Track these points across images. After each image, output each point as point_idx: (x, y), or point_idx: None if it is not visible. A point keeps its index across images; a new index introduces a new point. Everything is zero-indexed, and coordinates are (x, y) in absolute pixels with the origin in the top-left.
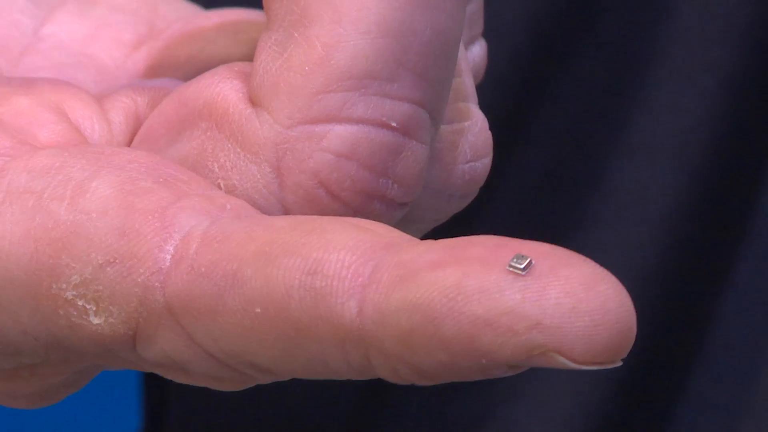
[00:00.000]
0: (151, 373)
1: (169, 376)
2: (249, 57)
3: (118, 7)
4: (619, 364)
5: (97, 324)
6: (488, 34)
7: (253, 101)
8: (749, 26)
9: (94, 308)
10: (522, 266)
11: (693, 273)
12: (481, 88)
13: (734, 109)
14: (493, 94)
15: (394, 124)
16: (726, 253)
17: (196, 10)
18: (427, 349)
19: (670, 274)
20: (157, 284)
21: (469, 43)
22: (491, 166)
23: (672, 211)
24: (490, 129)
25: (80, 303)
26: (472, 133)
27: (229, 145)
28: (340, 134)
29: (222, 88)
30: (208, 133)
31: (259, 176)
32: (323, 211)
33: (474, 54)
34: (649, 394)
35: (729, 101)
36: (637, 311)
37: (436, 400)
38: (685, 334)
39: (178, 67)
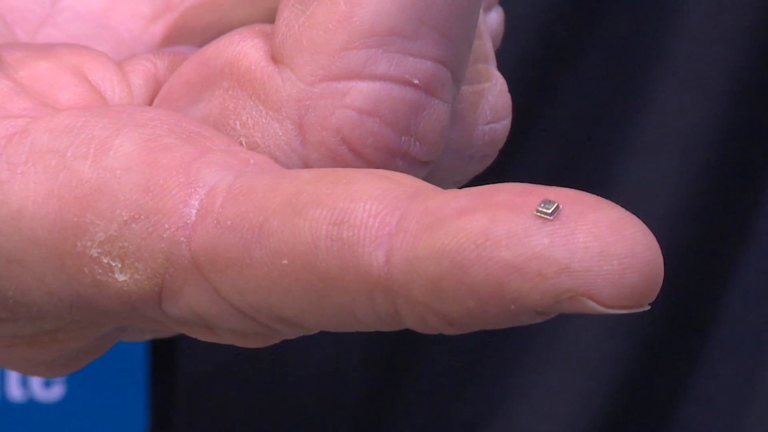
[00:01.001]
0: (157, 374)
1: (194, 334)
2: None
3: None
4: (647, 308)
5: (122, 281)
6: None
7: (275, 59)
8: (755, 25)
9: (119, 265)
10: (549, 211)
11: (697, 272)
12: None
13: (740, 108)
14: None
15: (416, 82)
16: (730, 253)
17: None
18: (456, 296)
19: (674, 273)
20: (182, 239)
21: (487, 9)
22: (498, 164)
23: (677, 211)
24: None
25: (105, 260)
26: (492, 95)
27: (251, 103)
28: (362, 91)
29: (243, 46)
30: (230, 92)
31: (281, 133)
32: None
33: (491, 20)
34: (652, 395)
35: (735, 101)
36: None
37: (441, 400)
38: (687, 333)
39: (196, 36)
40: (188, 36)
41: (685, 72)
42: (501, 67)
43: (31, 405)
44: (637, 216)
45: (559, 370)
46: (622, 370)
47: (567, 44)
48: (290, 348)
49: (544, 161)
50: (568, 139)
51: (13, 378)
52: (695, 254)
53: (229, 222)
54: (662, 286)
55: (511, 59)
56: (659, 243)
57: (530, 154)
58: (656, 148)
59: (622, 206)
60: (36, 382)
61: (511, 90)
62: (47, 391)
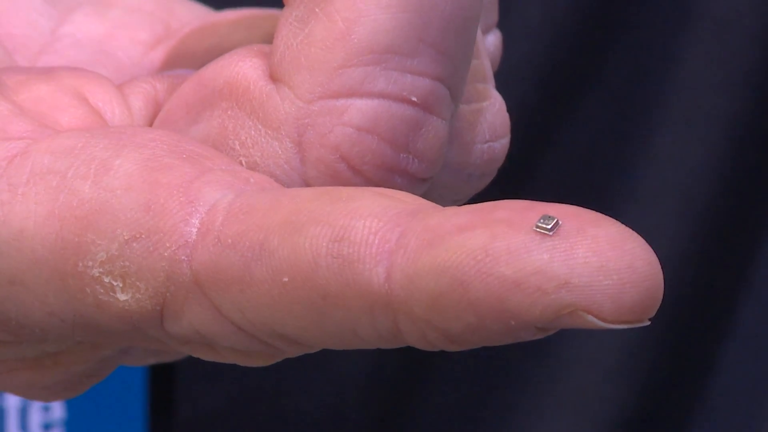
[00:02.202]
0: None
1: (196, 354)
2: None
3: (134, 9)
4: (647, 323)
5: (124, 300)
6: (496, 79)
7: (274, 77)
8: (753, 75)
9: (120, 285)
10: (549, 227)
11: (696, 318)
12: None
13: (737, 156)
14: None
15: (414, 99)
16: (729, 299)
17: (211, 12)
18: (456, 313)
19: (673, 318)
20: (183, 258)
21: (485, 31)
22: None
23: (676, 256)
24: (499, 174)
25: (107, 280)
26: (491, 113)
27: (250, 123)
28: (361, 108)
29: (242, 66)
30: (229, 112)
31: (280, 152)
32: (344, 186)
33: (489, 42)
34: None
35: (732, 148)
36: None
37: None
38: (685, 379)
39: (196, 60)
40: (188, 61)
41: (684, 120)
42: None
43: None
44: None
45: (559, 413)
46: (621, 415)
47: (566, 92)
48: (289, 391)
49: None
50: (568, 185)
51: (12, 420)
52: (694, 299)
53: (229, 240)
54: (661, 331)
55: (510, 106)
56: None
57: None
58: (655, 195)
59: None
60: (35, 425)
61: (510, 138)
62: None
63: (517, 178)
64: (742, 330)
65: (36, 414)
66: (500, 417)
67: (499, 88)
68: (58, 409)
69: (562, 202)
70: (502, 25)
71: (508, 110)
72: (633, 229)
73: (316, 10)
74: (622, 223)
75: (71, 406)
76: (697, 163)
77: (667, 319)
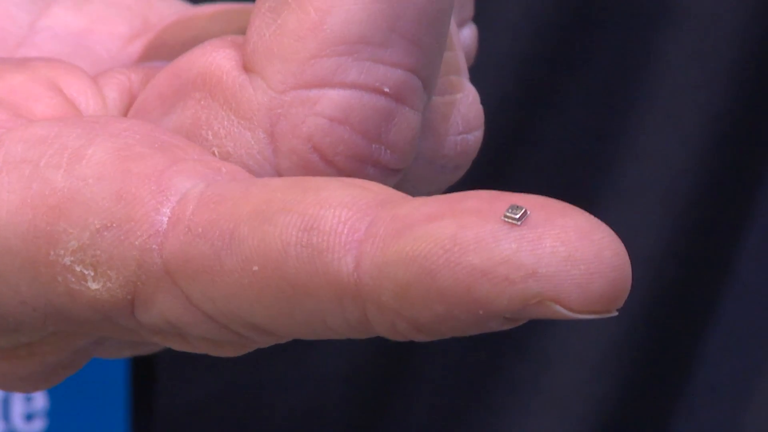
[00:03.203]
0: (138, 373)
1: (167, 344)
2: None
3: (112, 2)
4: (615, 314)
5: (95, 289)
6: (474, 77)
7: (247, 68)
8: (732, 70)
9: (92, 273)
10: (517, 216)
11: (679, 314)
12: None
13: (720, 152)
14: None
15: (386, 90)
16: (710, 296)
17: (189, 6)
18: (425, 302)
19: (655, 315)
20: (154, 247)
21: (460, 25)
22: None
23: (658, 252)
24: (477, 169)
25: (78, 269)
26: (464, 105)
27: (223, 113)
28: (333, 99)
29: (215, 56)
30: (202, 102)
31: (253, 142)
32: (316, 176)
33: (464, 36)
34: None
35: (715, 144)
36: (622, 352)
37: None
38: (670, 375)
39: (173, 54)
40: (165, 54)
41: (665, 116)
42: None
43: None
44: None
45: (544, 412)
46: (606, 413)
47: (547, 88)
48: (270, 386)
49: None
50: (549, 181)
51: None
52: (676, 296)
53: (200, 229)
54: (644, 327)
55: (491, 101)
56: (641, 284)
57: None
58: (637, 191)
59: None
60: (17, 415)
61: (491, 132)
62: (28, 424)
63: (497, 174)
64: (724, 326)
65: (18, 404)
66: (484, 415)
67: (479, 82)
68: (40, 399)
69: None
70: (482, 19)
71: (488, 105)
72: (614, 226)
73: (289, 0)
74: (604, 219)
75: (53, 396)
76: (678, 160)
77: (650, 316)
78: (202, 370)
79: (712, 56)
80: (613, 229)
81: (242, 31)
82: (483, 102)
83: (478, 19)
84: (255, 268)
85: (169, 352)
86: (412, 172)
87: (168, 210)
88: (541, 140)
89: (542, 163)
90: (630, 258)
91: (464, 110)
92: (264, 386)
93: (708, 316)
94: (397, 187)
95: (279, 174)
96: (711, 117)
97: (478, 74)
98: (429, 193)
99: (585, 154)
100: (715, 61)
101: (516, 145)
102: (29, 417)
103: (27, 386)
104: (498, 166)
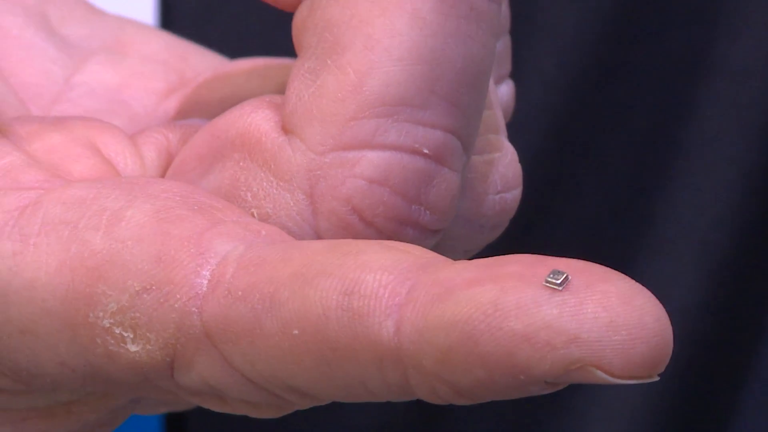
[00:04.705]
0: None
1: (206, 405)
2: None
3: (148, 57)
4: (656, 379)
5: (134, 351)
6: (512, 129)
7: (286, 129)
8: None
9: (131, 336)
10: (559, 281)
11: (713, 370)
12: None
13: (755, 205)
14: None
15: (426, 151)
16: (746, 350)
17: (225, 61)
18: (466, 367)
19: (690, 369)
20: (194, 309)
21: (498, 81)
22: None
23: (694, 305)
24: (511, 224)
25: (117, 331)
26: (503, 165)
27: (262, 174)
28: (372, 160)
29: (254, 117)
30: (241, 163)
31: (292, 204)
32: (356, 238)
33: (502, 93)
34: None
35: (750, 197)
36: (657, 407)
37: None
38: (705, 431)
39: (210, 111)
40: (201, 111)
41: (702, 169)
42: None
43: None
44: None
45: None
46: None
47: (582, 142)
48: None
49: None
50: (584, 235)
51: None
52: (712, 349)
53: (240, 292)
54: (679, 381)
55: (525, 156)
56: (676, 338)
57: (548, 251)
58: (673, 244)
59: None
60: None
61: (525, 187)
62: None
63: (531, 229)
64: (761, 381)
65: None
66: None
67: (514, 138)
68: None
69: (578, 254)
70: (517, 75)
71: (524, 160)
72: (650, 279)
73: (328, 61)
74: (639, 273)
75: None
76: (714, 213)
77: (685, 370)
78: (233, 425)
79: (747, 109)
80: (649, 283)
81: (279, 87)
82: (519, 154)
83: (512, 72)
84: (295, 331)
85: (199, 407)
86: (450, 232)
87: (208, 273)
88: (576, 194)
89: (577, 218)
90: (666, 310)
91: (503, 169)
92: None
93: (744, 371)
94: (435, 246)
95: (318, 235)
96: (746, 170)
97: (512, 129)
98: (467, 252)
99: (620, 208)
100: (751, 114)
101: (551, 199)
102: None
103: None
104: (533, 221)
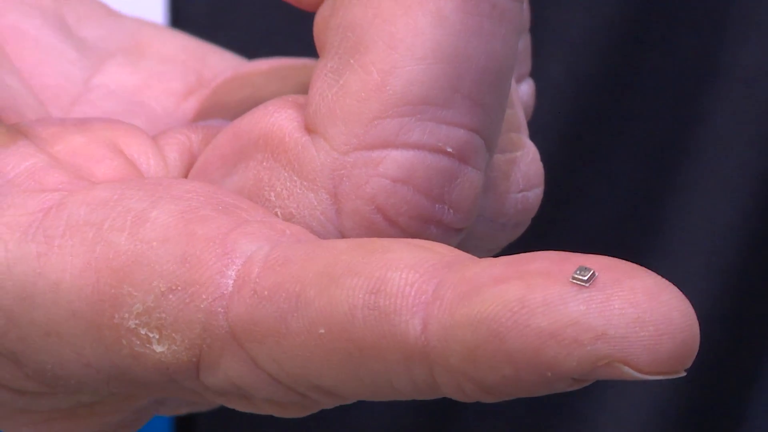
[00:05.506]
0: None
1: (231, 405)
2: None
3: (166, 59)
4: (683, 374)
5: (160, 352)
6: None
7: (309, 129)
8: None
9: (157, 336)
10: (585, 278)
11: (724, 377)
12: None
13: (765, 210)
14: None
15: (449, 150)
16: (757, 357)
17: (243, 61)
18: (492, 364)
19: (700, 376)
20: (220, 310)
21: (519, 80)
22: None
23: (703, 314)
24: (524, 231)
25: (143, 332)
26: (525, 163)
27: (286, 174)
28: (396, 159)
29: (277, 118)
30: (264, 163)
31: (316, 203)
32: (380, 237)
33: (523, 92)
34: None
35: (761, 204)
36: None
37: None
38: None
39: (229, 111)
40: (221, 111)
41: (713, 175)
42: None
43: None
44: None
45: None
46: None
47: (593, 147)
48: None
49: None
50: (595, 241)
51: None
52: (722, 356)
53: (266, 292)
54: (690, 389)
55: None
56: None
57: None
58: (684, 251)
59: None
60: None
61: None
62: None
63: (542, 234)
64: None
65: None
66: None
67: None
68: None
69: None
70: None
71: None
72: None
73: (351, 61)
74: None
75: None
76: (725, 220)
77: (695, 377)
78: (242, 424)
79: (757, 115)
80: None
81: (299, 87)
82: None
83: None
84: (322, 330)
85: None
86: (473, 231)
87: (233, 273)
88: (585, 200)
89: (586, 224)
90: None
91: (525, 168)
92: None
93: (753, 378)
94: (459, 246)
95: (342, 235)
96: (758, 177)
97: None
98: (489, 251)
99: (629, 214)
100: (762, 121)
101: (560, 204)
102: None
103: None
104: (543, 227)
